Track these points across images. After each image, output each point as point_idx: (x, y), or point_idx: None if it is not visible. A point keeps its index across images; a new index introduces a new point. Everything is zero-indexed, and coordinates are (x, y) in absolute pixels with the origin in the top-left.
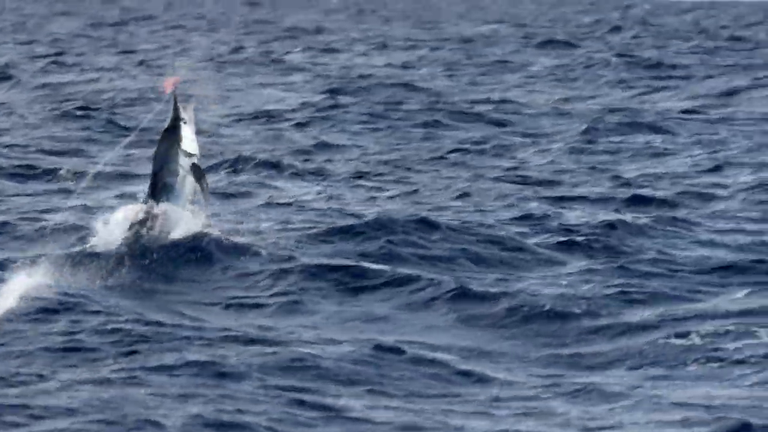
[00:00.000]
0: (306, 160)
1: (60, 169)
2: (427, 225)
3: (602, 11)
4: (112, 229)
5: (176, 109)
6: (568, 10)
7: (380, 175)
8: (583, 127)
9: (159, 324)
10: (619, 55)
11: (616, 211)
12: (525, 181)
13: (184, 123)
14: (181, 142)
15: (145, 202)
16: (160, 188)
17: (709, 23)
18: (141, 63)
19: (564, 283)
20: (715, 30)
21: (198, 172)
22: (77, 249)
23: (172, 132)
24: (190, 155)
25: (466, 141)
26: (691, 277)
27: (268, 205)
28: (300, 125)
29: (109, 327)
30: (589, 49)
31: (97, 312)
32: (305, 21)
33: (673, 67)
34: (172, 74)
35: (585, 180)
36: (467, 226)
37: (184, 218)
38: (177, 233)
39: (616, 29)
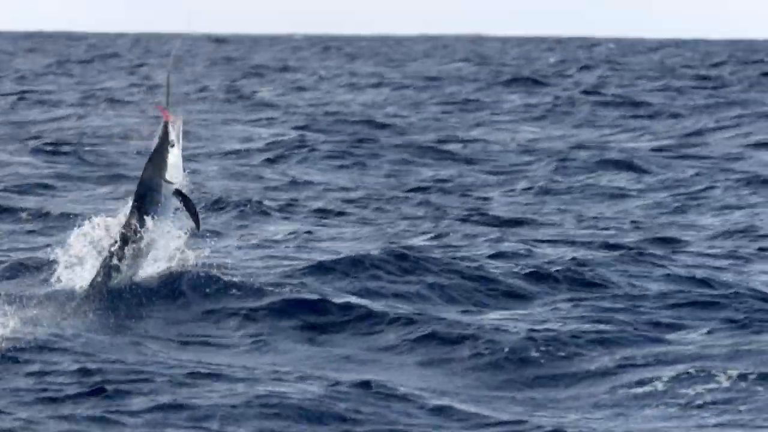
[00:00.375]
0: (275, 197)
1: (25, 209)
2: (396, 262)
3: (568, 50)
4: (79, 261)
5: (165, 133)
6: (532, 48)
7: (349, 212)
8: (551, 165)
9: (126, 363)
10: (586, 93)
11: (584, 248)
12: (493, 219)
13: (171, 146)
14: (166, 171)
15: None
16: (137, 217)
17: (675, 62)
18: (108, 100)
19: (530, 321)
20: (682, 69)
21: (186, 201)
22: (44, 287)
23: (158, 157)
24: (172, 183)
25: (434, 178)
26: (654, 314)
27: (239, 241)
28: (269, 161)
29: (75, 367)
30: (556, 87)
31: (64, 350)
32: (271, 58)
33: (641, 105)
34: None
35: (553, 218)
36: (436, 263)
37: (157, 250)
38: (148, 268)
39: (585, 68)
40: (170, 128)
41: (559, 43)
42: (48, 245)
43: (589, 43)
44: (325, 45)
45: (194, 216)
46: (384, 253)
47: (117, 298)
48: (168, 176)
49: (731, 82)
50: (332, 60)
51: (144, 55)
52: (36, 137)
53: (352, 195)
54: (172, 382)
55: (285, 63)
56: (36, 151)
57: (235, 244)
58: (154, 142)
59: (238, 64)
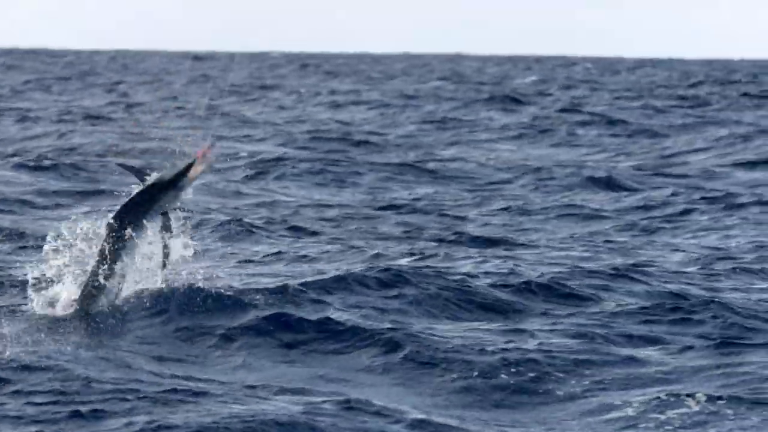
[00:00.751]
0: (255, 214)
1: (2, 228)
2: (374, 280)
3: (546, 69)
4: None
5: (188, 166)
6: (511, 67)
7: (327, 230)
8: (529, 184)
9: (102, 381)
10: (564, 112)
11: (560, 267)
12: (470, 238)
13: (184, 186)
14: (166, 202)
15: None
16: (117, 238)
17: (653, 81)
18: (87, 117)
19: (505, 340)
20: (659, 88)
21: (167, 239)
22: (20, 304)
23: (169, 187)
24: (165, 215)
25: (412, 197)
26: (628, 334)
27: (218, 259)
28: (249, 179)
29: (51, 387)
30: (534, 106)
31: (40, 369)
32: (249, 76)
33: (619, 124)
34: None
35: (530, 237)
36: (413, 281)
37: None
38: (127, 287)
39: (563, 87)
40: (196, 165)
41: (537, 62)
42: (26, 262)
43: (568, 63)
44: (303, 62)
45: (165, 252)
46: (362, 271)
47: (95, 316)
48: (166, 204)
49: (709, 101)
50: (311, 78)
51: (121, 73)
52: (16, 155)
53: (331, 213)
54: (149, 401)
55: (263, 81)
56: (21, 166)
57: (214, 261)
58: (174, 165)
59: (217, 82)
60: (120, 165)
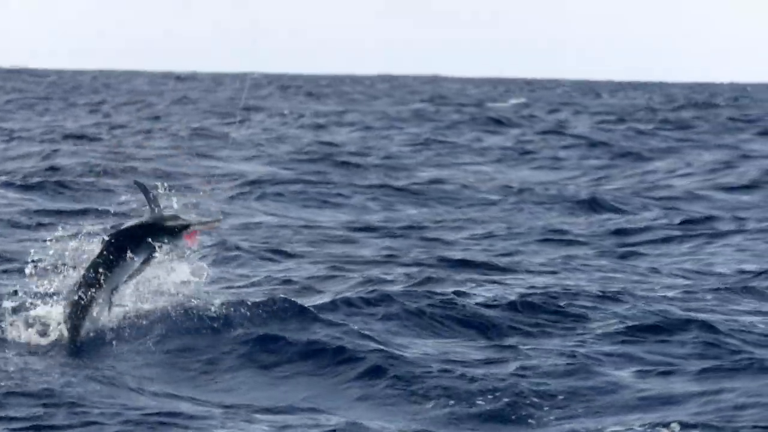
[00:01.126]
0: (238, 235)
1: None
2: (355, 301)
3: (526, 91)
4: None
5: (201, 223)
6: (491, 89)
7: (311, 250)
8: (511, 205)
9: (85, 405)
10: (546, 133)
11: (541, 289)
12: (451, 260)
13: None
14: (158, 242)
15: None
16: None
17: (634, 104)
18: (71, 137)
19: (484, 363)
20: (641, 111)
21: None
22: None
23: (174, 230)
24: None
25: (401, 218)
26: (604, 357)
27: (203, 280)
28: (233, 199)
29: (35, 412)
30: (516, 128)
31: (26, 395)
32: (233, 97)
33: (601, 146)
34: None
35: (511, 259)
36: (402, 301)
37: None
38: (114, 309)
39: (545, 109)
40: (197, 228)
41: (516, 84)
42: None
43: (549, 85)
44: (282, 83)
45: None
46: (345, 294)
47: (79, 339)
48: (157, 242)
49: (691, 125)
50: (293, 99)
51: (105, 92)
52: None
53: (314, 234)
54: (132, 424)
55: (247, 101)
56: (7, 185)
57: (199, 282)
58: (181, 216)
59: (200, 103)
60: (138, 183)
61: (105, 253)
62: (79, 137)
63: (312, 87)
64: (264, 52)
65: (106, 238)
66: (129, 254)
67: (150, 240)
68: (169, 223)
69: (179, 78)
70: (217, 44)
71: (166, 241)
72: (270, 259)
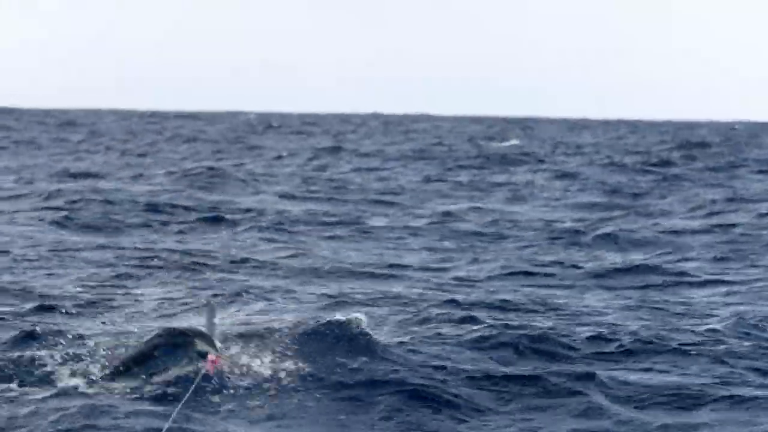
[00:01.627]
0: (251, 265)
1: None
2: (360, 331)
3: (518, 129)
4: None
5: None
6: (483, 128)
7: (316, 282)
8: (508, 244)
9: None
10: (541, 171)
11: (539, 325)
12: (450, 299)
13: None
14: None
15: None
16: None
17: (626, 144)
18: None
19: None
20: (630, 149)
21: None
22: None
23: (196, 349)
24: None
25: (394, 255)
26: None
27: (196, 310)
28: (237, 233)
29: None
30: (519, 166)
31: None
32: (230, 135)
33: (592, 182)
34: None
35: (508, 297)
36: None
37: None
38: None
39: (548, 149)
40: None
41: (507, 122)
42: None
43: (539, 122)
44: (277, 123)
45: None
46: (348, 325)
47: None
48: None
49: (681, 163)
50: (289, 138)
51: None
52: None
53: (320, 267)
54: None
55: (247, 140)
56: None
57: (191, 312)
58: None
59: (200, 138)
60: (209, 304)
61: (145, 346)
62: (71, 170)
63: (304, 125)
64: (256, 90)
65: (155, 334)
66: (158, 352)
67: (184, 350)
68: (204, 348)
69: (178, 116)
70: (209, 83)
71: (193, 358)
72: (257, 283)
